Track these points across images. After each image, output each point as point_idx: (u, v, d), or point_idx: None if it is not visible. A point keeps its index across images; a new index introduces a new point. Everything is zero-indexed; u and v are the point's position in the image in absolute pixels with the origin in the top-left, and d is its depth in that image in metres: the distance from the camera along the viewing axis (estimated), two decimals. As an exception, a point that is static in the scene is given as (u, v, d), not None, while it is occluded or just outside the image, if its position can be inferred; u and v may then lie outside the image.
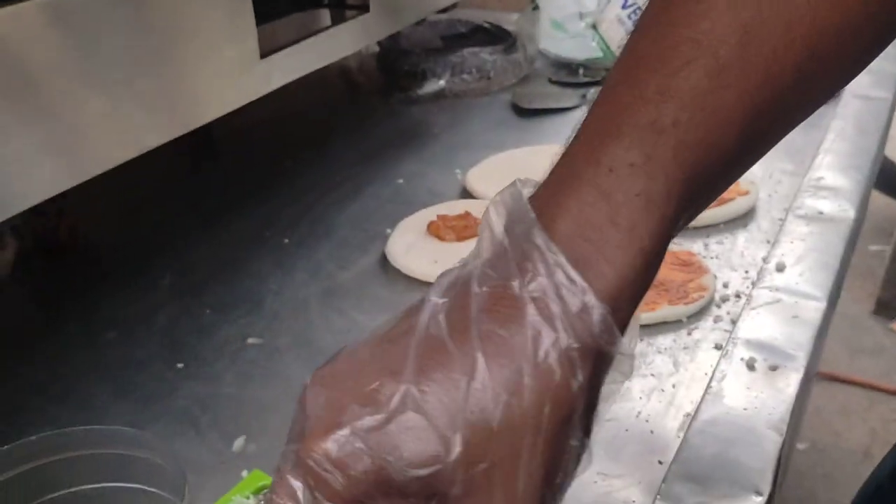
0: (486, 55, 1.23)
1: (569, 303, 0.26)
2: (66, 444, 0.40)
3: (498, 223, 0.28)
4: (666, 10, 0.30)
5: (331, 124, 1.20)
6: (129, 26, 0.59)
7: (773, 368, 0.53)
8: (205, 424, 0.61)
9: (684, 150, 0.28)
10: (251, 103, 0.73)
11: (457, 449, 0.26)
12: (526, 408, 0.26)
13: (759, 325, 0.58)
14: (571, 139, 0.30)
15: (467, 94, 1.23)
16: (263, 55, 0.75)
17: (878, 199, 2.41)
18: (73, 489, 0.40)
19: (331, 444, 0.28)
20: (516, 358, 0.26)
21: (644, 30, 0.31)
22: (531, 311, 0.26)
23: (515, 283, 0.27)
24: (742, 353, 0.54)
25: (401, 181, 0.99)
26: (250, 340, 0.70)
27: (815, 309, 0.59)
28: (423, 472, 0.26)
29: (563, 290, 0.26)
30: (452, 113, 1.18)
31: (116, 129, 0.60)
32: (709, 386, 0.52)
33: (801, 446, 1.74)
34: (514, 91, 1.22)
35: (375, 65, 1.34)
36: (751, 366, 0.54)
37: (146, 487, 0.40)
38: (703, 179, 0.29)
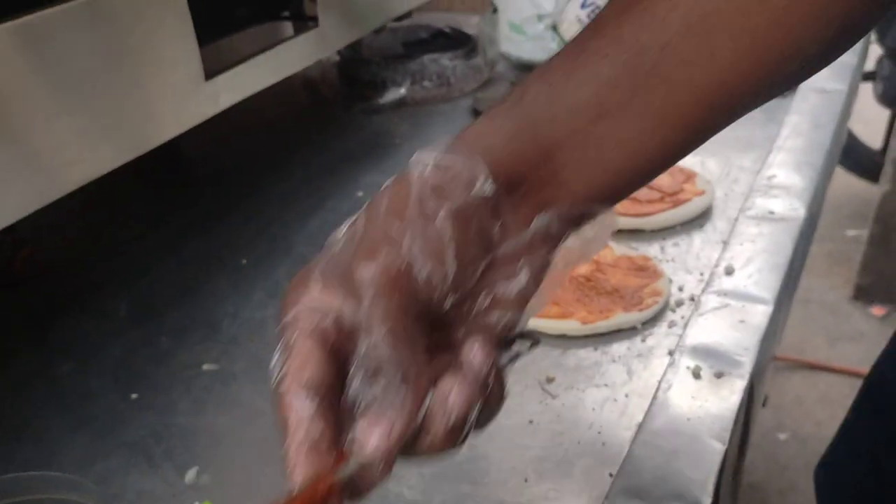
0: (446, 61, 1.23)
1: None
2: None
3: None
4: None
5: (294, 136, 1.19)
6: (73, 53, 0.59)
7: (719, 376, 0.53)
8: (158, 456, 0.61)
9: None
10: (214, 115, 0.73)
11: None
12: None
13: (706, 331, 0.58)
14: None
15: (429, 102, 1.23)
16: (209, 76, 0.74)
17: (855, 183, 2.42)
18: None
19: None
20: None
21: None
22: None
23: None
24: (688, 361, 0.54)
25: (361, 194, 0.98)
26: (206, 367, 0.70)
27: (762, 313, 0.59)
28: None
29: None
30: (414, 121, 1.18)
31: (65, 155, 0.59)
32: (655, 396, 0.52)
33: (782, 436, 1.75)
34: (475, 97, 1.22)
35: (337, 74, 1.34)
36: (696, 374, 0.54)
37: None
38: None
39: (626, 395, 0.62)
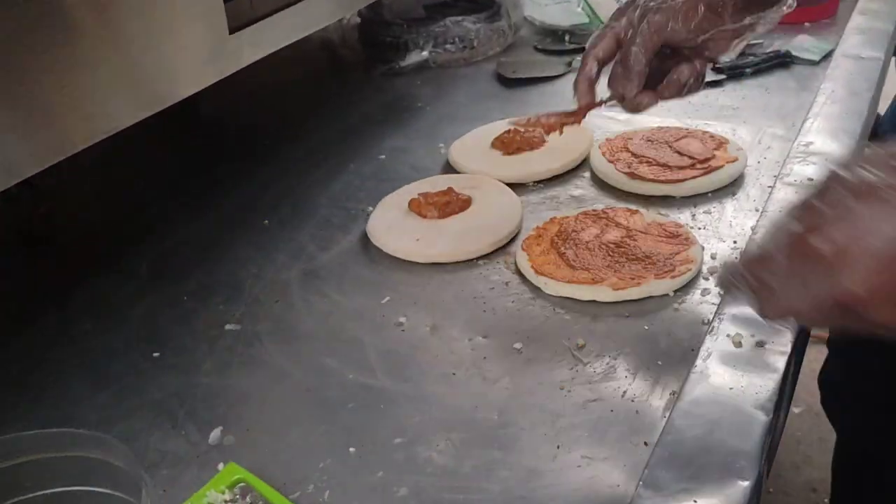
0: (470, 24, 1.20)
1: None
2: (19, 448, 0.38)
3: None
4: None
5: (314, 99, 1.17)
6: (93, 5, 0.57)
7: (761, 345, 0.51)
8: (181, 416, 0.60)
9: None
10: (234, 77, 0.71)
11: None
12: None
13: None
14: None
15: (451, 65, 1.20)
16: (232, 31, 0.72)
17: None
18: (28, 495, 0.38)
19: None
20: None
21: None
22: None
23: None
24: (728, 329, 0.53)
25: (383, 157, 0.96)
26: (228, 327, 0.69)
27: (803, 281, 0.57)
28: None
29: None
30: (436, 85, 1.16)
31: (83, 109, 0.58)
32: (694, 364, 0.51)
33: (796, 410, 1.73)
34: (498, 61, 1.20)
35: (357, 37, 1.31)
36: (737, 343, 0.52)
37: (104, 490, 0.39)
38: None
39: (660, 364, 0.60)
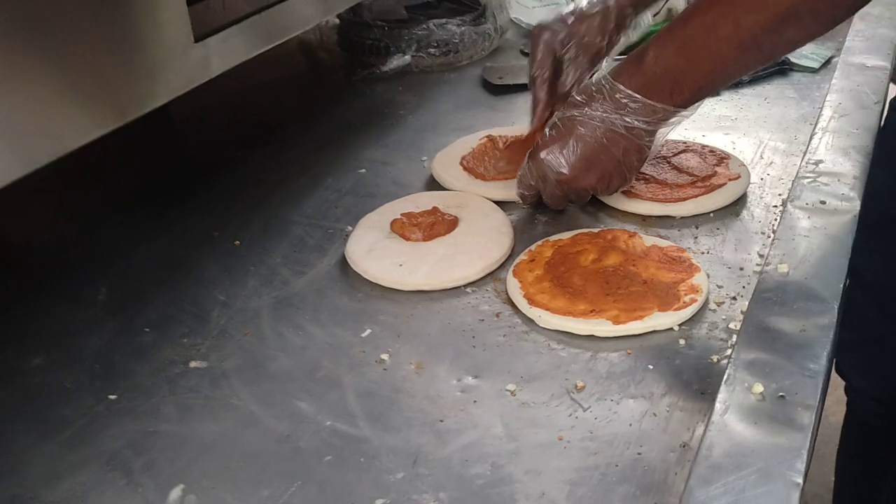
0: (454, 27, 1.14)
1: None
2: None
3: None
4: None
5: (289, 105, 1.11)
6: (45, 12, 0.50)
7: (783, 397, 0.46)
8: (138, 470, 0.53)
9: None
10: (207, 81, 0.65)
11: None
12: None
13: (764, 343, 0.51)
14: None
15: (434, 70, 1.15)
16: (198, 38, 0.66)
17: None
18: None
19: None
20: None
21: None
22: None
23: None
24: (746, 378, 0.48)
25: (363, 171, 0.90)
26: (193, 364, 0.62)
27: (826, 320, 0.52)
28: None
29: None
30: (419, 91, 1.10)
31: (36, 126, 0.51)
32: (710, 420, 0.46)
33: (787, 422, 1.70)
34: (483, 66, 1.14)
35: (336, 39, 1.25)
36: (757, 395, 0.47)
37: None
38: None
39: (668, 409, 0.55)
